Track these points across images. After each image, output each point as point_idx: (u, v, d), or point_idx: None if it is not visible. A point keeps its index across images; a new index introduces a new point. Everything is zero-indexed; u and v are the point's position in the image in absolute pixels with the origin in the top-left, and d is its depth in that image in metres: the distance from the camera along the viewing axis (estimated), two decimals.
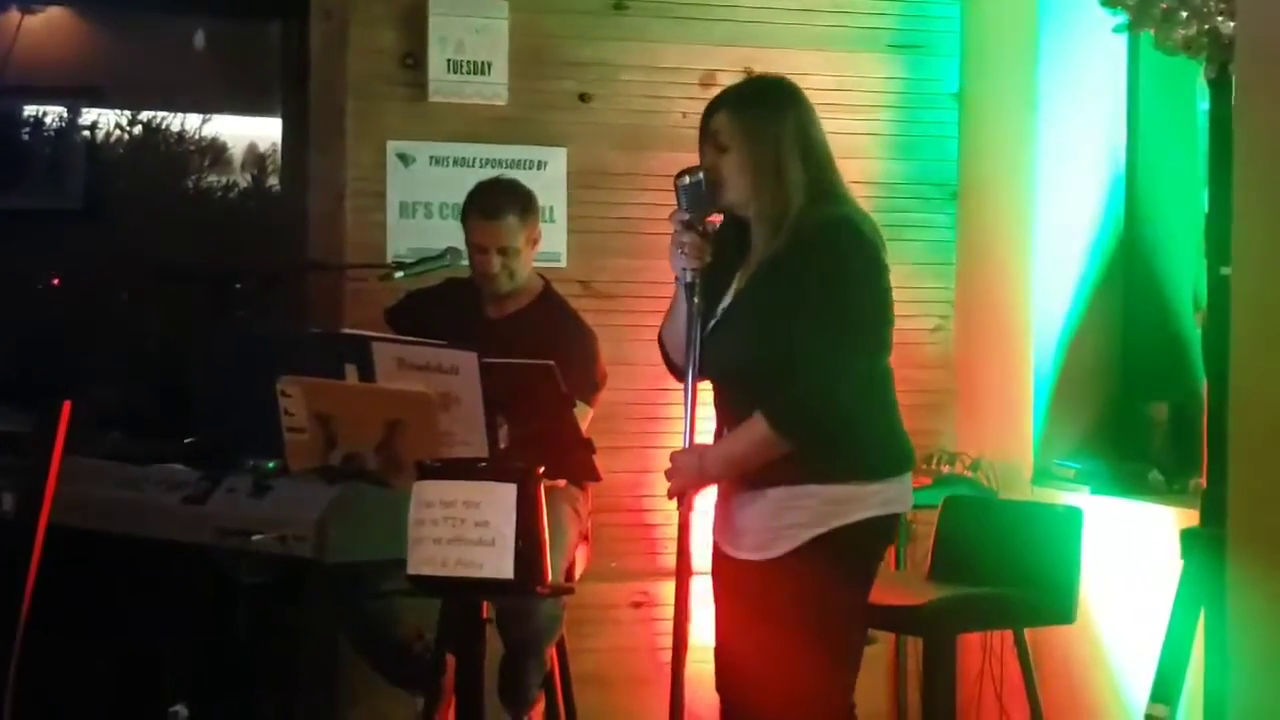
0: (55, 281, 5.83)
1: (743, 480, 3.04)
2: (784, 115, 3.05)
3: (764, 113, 3.06)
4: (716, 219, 3.11)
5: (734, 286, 3.07)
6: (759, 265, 3.02)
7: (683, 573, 3.06)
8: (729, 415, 3.07)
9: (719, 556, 3.13)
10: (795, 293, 2.93)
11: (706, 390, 3.10)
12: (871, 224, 3.05)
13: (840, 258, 2.95)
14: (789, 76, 3.23)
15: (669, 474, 3.08)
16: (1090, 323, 4.65)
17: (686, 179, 3.08)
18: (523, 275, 4.10)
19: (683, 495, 3.07)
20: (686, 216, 3.06)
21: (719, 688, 3.14)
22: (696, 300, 3.05)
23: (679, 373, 3.12)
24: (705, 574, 3.17)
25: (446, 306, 4.13)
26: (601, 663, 4.52)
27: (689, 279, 3.06)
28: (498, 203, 4.06)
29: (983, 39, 4.92)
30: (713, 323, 3.08)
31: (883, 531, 3.04)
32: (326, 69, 4.58)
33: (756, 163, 3.02)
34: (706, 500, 3.12)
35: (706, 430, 3.13)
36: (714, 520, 3.14)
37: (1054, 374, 4.65)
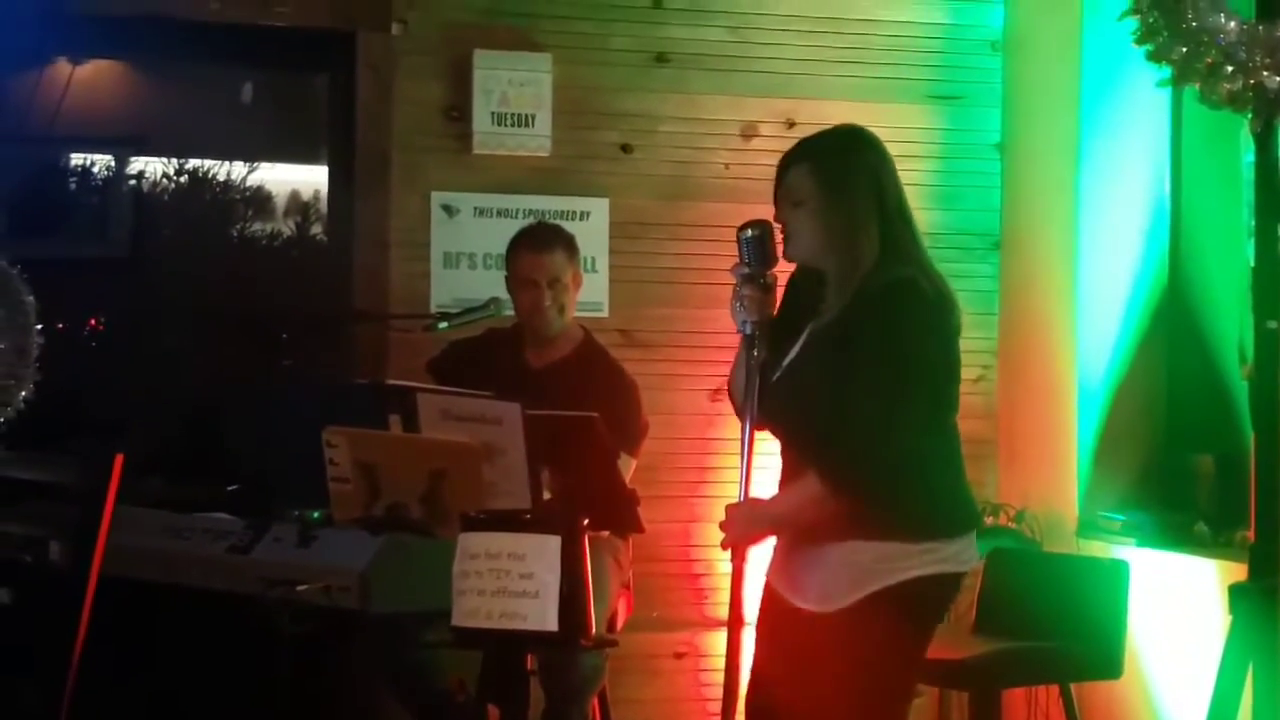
0: (99, 328, 5.87)
1: (801, 534, 3.03)
2: (862, 172, 3.00)
3: (842, 170, 3.01)
4: (778, 271, 3.09)
5: (803, 338, 3.04)
6: (827, 323, 3.00)
7: (735, 624, 3.05)
8: (788, 467, 3.06)
9: (770, 598, 3.11)
10: (851, 354, 2.91)
11: (762, 441, 3.09)
12: (937, 282, 3.00)
13: (896, 321, 2.91)
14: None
15: (723, 525, 3.07)
16: (1134, 374, 4.63)
17: (749, 232, 3.05)
18: (570, 315, 4.13)
19: (736, 548, 3.06)
20: (748, 270, 3.04)
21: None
22: (756, 352, 3.04)
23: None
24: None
25: (488, 356, 4.15)
26: (644, 714, 4.49)
27: (749, 331, 3.05)
28: (546, 237, 4.13)
29: (1025, 90, 4.92)
30: (777, 374, 3.05)
31: (940, 589, 3.00)
32: (372, 121, 4.63)
33: (831, 221, 2.99)
34: (760, 552, 3.11)
35: (762, 481, 3.11)
36: (770, 562, 3.12)
37: (1098, 425, 4.62)
